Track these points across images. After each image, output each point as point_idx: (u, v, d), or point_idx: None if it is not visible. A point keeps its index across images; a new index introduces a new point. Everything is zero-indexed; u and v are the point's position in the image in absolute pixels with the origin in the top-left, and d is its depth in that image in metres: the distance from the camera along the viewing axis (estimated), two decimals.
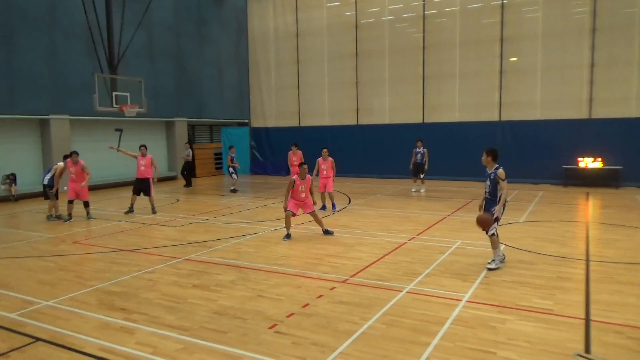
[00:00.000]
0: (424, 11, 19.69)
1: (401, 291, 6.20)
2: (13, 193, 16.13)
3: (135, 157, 13.06)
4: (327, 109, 22.36)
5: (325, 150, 13.03)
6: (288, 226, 9.57)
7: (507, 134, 18.47)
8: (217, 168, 25.39)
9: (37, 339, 4.97)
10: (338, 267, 7.40)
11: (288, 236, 9.50)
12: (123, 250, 8.87)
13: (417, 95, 20.08)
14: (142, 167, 12.95)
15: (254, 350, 4.61)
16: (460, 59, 19.09)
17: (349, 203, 14.11)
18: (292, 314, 5.50)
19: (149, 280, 6.97)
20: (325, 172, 12.73)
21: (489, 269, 6.96)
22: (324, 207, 12.77)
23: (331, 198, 12.94)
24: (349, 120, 21.77)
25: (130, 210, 12.95)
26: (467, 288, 6.26)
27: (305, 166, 9.61)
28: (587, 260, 7.55)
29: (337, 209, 12.85)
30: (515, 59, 18.31)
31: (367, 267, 7.39)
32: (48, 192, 12.26)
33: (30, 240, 9.97)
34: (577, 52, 17.17)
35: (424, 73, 19.83)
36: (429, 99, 19.92)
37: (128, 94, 15.94)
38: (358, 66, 21.26)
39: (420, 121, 20.10)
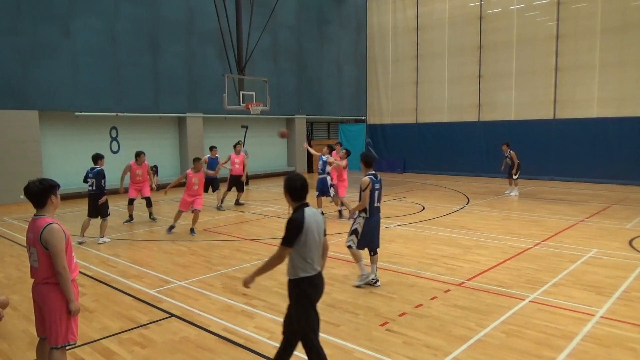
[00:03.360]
0: None
1: (524, 300, 5.78)
2: (155, 183, 18.07)
3: (228, 159, 13.50)
4: (446, 105, 21.58)
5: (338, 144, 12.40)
6: (176, 219, 10.20)
7: None
8: None
9: (172, 315, 5.54)
10: (454, 269, 7.13)
11: (172, 227, 10.16)
12: (246, 239, 9.49)
13: (548, 89, 18.48)
14: (237, 165, 13.53)
15: (365, 345, 4.63)
16: (602, 48, 17.10)
17: (467, 203, 13.50)
18: (404, 313, 5.43)
19: None
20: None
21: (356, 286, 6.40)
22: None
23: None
24: (470, 116, 20.77)
25: (221, 205, 13.37)
26: (603, 302, 5.63)
27: (200, 160, 10.09)
28: None
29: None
30: None
31: (485, 271, 7.01)
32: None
33: (167, 225, 11.08)
34: None
35: (557, 65, 18.16)
36: (562, 93, 18.20)
37: (253, 93, 17.03)
38: (481, 59, 20.17)
39: (551, 117, 18.48)
